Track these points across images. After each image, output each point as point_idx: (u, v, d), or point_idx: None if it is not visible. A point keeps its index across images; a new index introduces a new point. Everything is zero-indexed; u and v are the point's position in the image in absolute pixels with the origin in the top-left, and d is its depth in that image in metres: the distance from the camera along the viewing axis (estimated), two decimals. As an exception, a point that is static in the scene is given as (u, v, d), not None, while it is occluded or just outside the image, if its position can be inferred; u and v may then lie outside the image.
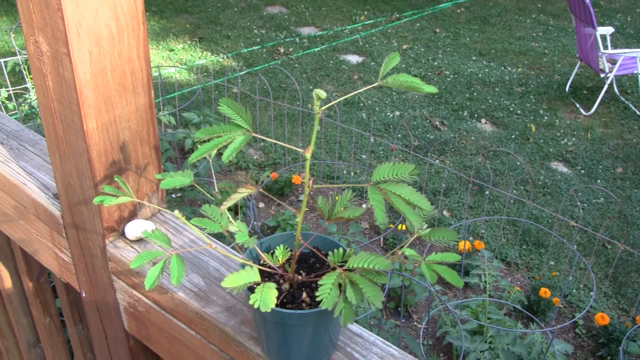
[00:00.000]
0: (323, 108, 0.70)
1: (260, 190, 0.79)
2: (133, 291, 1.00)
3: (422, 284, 2.81)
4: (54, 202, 1.08)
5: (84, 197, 0.96)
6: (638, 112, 5.34)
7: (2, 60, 4.13)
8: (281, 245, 0.83)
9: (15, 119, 4.03)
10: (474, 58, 6.43)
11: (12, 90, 4.04)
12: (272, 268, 0.80)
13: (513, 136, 4.95)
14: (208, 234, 0.84)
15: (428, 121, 5.10)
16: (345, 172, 4.40)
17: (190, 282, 0.93)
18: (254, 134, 0.74)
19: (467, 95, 5.60)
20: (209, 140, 0.73)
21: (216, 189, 1.10)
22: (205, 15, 7.33)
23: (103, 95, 0.88)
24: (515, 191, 4.23)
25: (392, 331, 2.64)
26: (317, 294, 0.70)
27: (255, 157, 4.50)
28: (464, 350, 2.54)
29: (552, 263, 3.61)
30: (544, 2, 8.23)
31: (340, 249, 0.79)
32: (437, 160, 4.56)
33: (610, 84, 5.47)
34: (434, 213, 0.77)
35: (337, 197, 0.82)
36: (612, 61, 5.41)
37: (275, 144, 4.63)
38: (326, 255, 0.82)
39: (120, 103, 0.91)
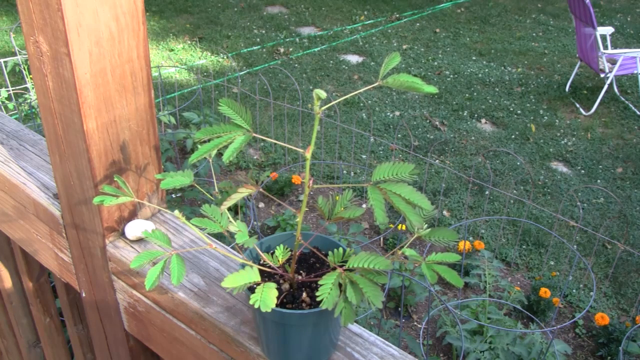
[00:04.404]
0: (323, 108, 0.70)
1: (260, 190, 0.79)
2: (133, 291, 1.00)
3: (422, 284, 2.81)
4: (54, 202, 1.08)
5: (84, 197, 0.96)
6: (638, 112, 5.34)
7: (2, 60, 4.13)
8: (281, 245, 0.83)
9: (15, 119, 4.03)
10: (474, 58, 6.43)
11: (12, 90, 4.04)
12: (272, 268, 0.80)
13: (513, 136, 4.95)
14: (208, 234, 0.84)
15: (428, 121, 5.10)
16: (345, 172, 4.40)
17: (190, 282, 0.93)
18: (254, 134, 0.74)
19: (467, 95, 5.60)
20: (209, 140, 0.73)
21: (216, 189, 1.10)
22: (205, 15, 7.33)
23: (103, 95, 0.88)
24: (515, 191, 4.22)
25: (392, 331, 2.63)
26: (317, 294, 0.70)
27: (255, 157, 4.50)
28: (464, 350, 2.54)
29: (552, 263, 3.61)
30: (544, 2, 8.22)
31: (340, 249, 0.79)
32: (437, 160, 4.56)
33: (610, 84, 5.47)
34: (434, 213, 0.77)
35: (337, 197, 0.82)
36: (612, 61, 5.41)
37: (275, 144, 4.63)
38: (326, 255, 0.82)
39: (120, 103, 0.90)
